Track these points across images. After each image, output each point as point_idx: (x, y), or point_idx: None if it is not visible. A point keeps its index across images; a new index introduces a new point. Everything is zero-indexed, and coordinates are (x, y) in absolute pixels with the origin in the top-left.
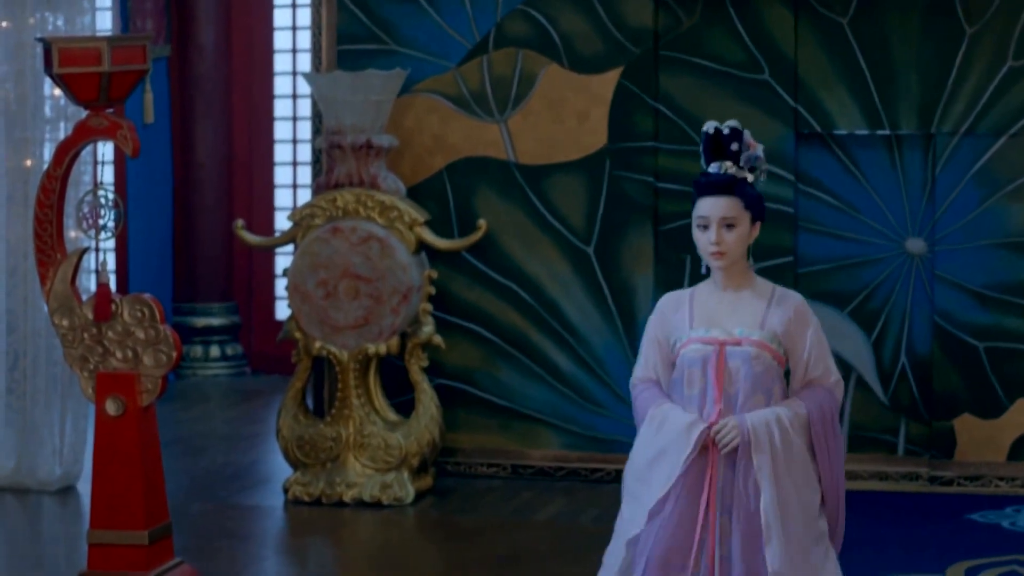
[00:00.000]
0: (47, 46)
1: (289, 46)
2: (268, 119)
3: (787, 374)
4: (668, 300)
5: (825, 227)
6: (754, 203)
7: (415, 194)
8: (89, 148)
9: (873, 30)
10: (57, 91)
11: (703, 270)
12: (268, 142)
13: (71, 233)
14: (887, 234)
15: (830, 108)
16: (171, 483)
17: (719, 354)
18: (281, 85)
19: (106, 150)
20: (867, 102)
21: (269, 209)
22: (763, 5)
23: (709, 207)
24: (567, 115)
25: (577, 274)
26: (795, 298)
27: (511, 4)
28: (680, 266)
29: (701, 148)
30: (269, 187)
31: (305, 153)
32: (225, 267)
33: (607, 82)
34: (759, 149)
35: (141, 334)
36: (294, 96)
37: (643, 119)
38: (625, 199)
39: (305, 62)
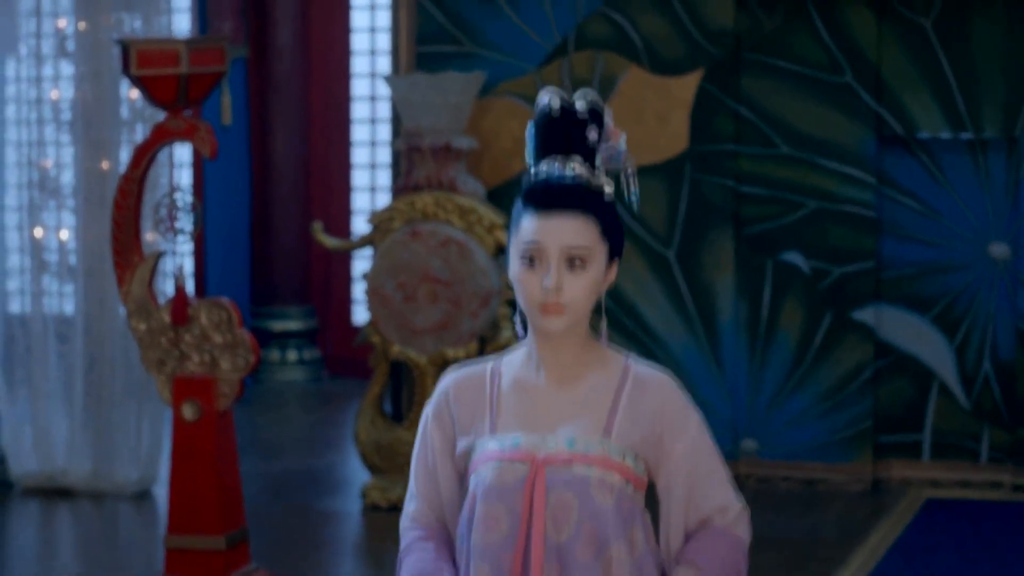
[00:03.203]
0: (125, 47)
1: (368, 48)
2: (346, 121)
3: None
4: (454, 383)
5: (908, 231)
6: (615, 230)
7: (494, 197)
8: (166, 150)
9: (957, 32)
10: (134, 93)
11: (518, 331)
12: (346, 144)
13: (148, 236)
14: (970, 238)
15: (913, 111)
16: (248, 487)
17: (536, 480)
18: (359, 87)
19: (183, 152)
20: (950, 105)
21: (347, 212)
22: (845, 6)
23: (545, 230)
24: (647, 118)
25: (657, 278)
26: (661, 382)
27: (592, 6)
28: (761, 270)
29: (532, 132)
30: (347, 190)
31: (384, 156)
32: (302, 270)
33: (688, 84)
34: (622, 141)
35: (218, 338)
36: (372, 98)
37: (724, 122)
38: (706, 203)
39: (384, 64)
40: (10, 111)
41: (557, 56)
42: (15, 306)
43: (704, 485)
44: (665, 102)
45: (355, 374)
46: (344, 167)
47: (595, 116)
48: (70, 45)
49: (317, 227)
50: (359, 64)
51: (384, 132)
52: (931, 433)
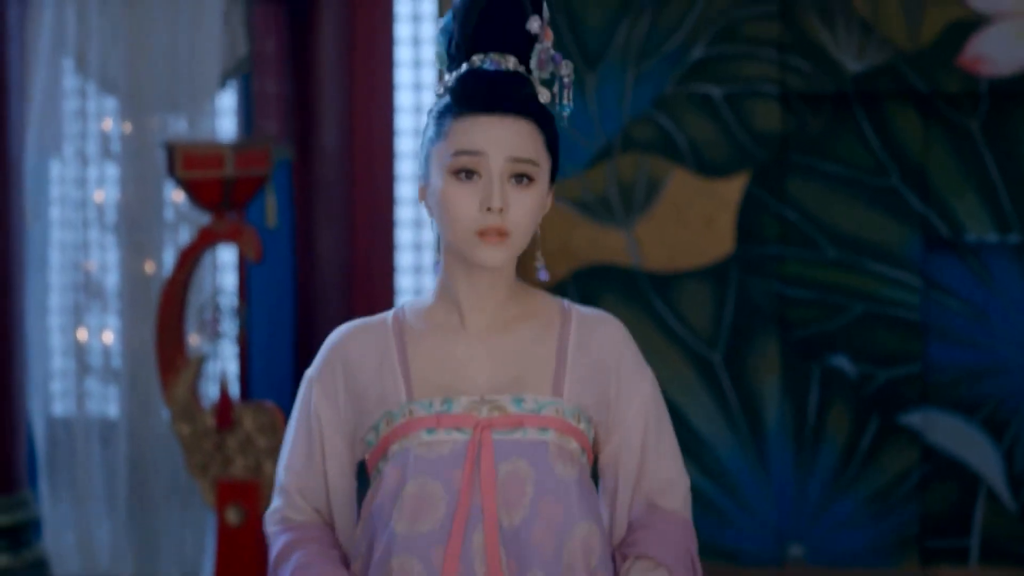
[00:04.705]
0: (170, 150)
1: (413, 150)
2: (390, 223)
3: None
4: (345, 339)
5: (954, 335)
6: (556, 145)
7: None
8: (210, 252)
9: (1003, 133)
10: (178, 195)
11: (435, 268)
12: (390, 247)
13: (192, 338)
14: (1017, 341)
15: (959, 213)
16: None
17: (482, 447)
18: (404, 189)
19: (227, 254)
20: (996, 207)
21: None
22: (891, 109)
23: (487, 136)
24: (693, 220)
25: (702, 381)
26: (611, 328)
27: (637, 108)
28: (807, 374)
29: (452, 22)
30: (391, 292)
31: (428, 259)
32: None
33: (734, 187)
34: (551, 49)
35: (263, 442)
36: (416, 201)
37: (770, 224)
38: (751, 306)
39: None
40: (54, 212)
41: (602, 158)
42: (58, 408)
43: (655, 456)
44: (711, 205)
45: None
46: (388, 269)
47: (537, 4)
48: (115, 147)
49: None
50: (404, 166)
51: (429, 236)
52: (979, 538)
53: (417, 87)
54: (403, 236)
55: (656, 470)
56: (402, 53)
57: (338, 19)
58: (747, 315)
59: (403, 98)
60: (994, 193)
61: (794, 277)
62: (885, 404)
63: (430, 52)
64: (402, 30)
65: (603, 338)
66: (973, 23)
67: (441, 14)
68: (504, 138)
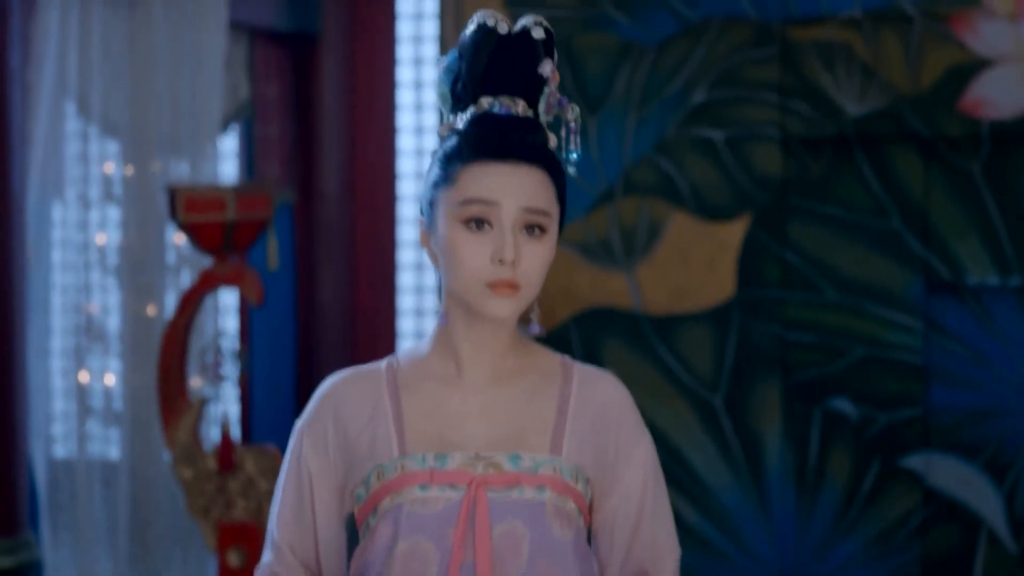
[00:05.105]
0: (172, 194)
1: (414, 194)
2: (391, 266)
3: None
4: (337, 389)
5: (956, 377)
6: (564, 193)
7: (542, 344)
8: (212, 295)
9: (1004, 176)
10: (180, 238)
11: (440, 320)
12: (392, 291)
13: (194, 381)
14: (1019, 384)
15: (961, 256)
16: None
17: (477, 505)
18: (406, 233)
19: (229, 297)
20: (998, 250)
21: None
22: (892, 152)
23: (501, 185)
24: (694, 263)
25: (703, 424)
26: (610, 386)
27: (639, 152)
28: (808, 417)
29: (458, 60)
30: (392, 336)
31: (430, 302)
32: None
33: (735, 230)
34: (558, 93)
35: (265, 485)
36: (418, 244)
37: (771, 268)
38: (753, 349)
39: None
40: (56, 255)
41: (604, 201)
42: (60, 451)
43: (650, 524)
44: (712, 248)
45: None
46: (390, 312)
47: (549, 46)
48: (116, 190)
49: None
50: (405, 210)
51: (431, 278)
52: None
53: (419, 131)
54: (404, 279)
55: (650, 539)
56: (404, 97)
57: (339, 64)
58: (748, 358)
59: (404, 142)
60: (995, 236)
61: (795, 320)
62: (886, 447)
63: (432, 96)
64: (404, 74)
65: (604, 397)
66: (974, 66)
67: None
68: (517, 187)
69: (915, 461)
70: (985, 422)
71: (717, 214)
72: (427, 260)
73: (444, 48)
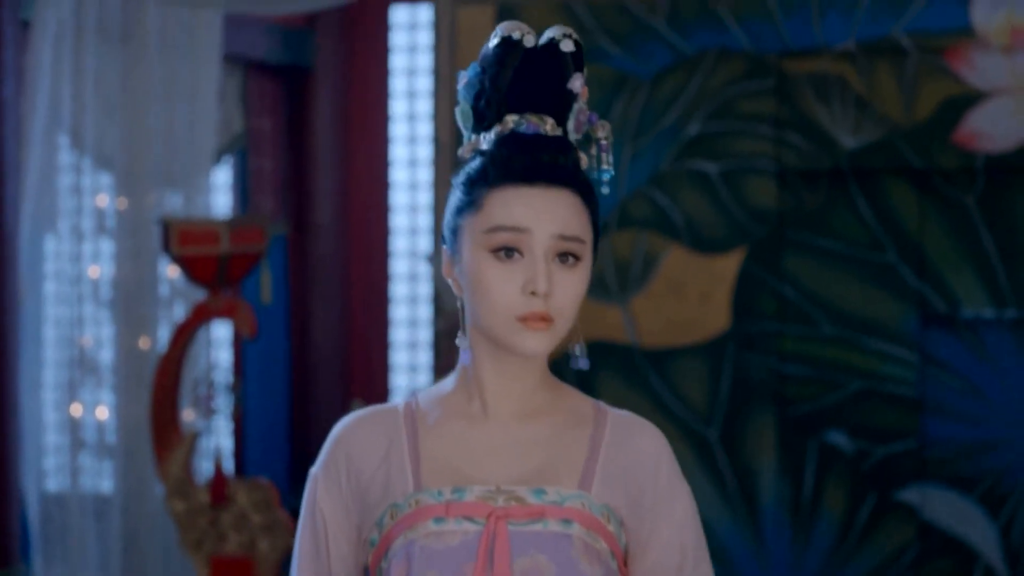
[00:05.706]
0: (166, 227)
1: (408, 226)
2: (385, 299)
3: None
4: (352, 429)
5: (951, 410)
6: (598, 217)
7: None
8: (205, 328)
9: (999, 209)
10: (173, 271)
11: (463, 357)
12: (385, 323)
13: (186, 415)
14: (1014, 417)
15: (956, 289)
16: None
17: (496, 538)
18: (399, 266)
19: (222, 329)
20: (993, 283)
21: (386, 391)
22: (887, 185)
23: (531, 210)
24: (689, 296)
25: (698, 458)
26: (648, 431)
27: (634, 185)
28: (803, 450)
29: (481, 74)
30: (386, 369)
31: (424, 335)
32: None
33: (730, 263)
34: (585, 105)
35: (257, 518)
36: (412, 277)
37: (766, 301)
38: (748, 382)
39: (425, 244)
40: (49, 288)
41: (599, 236)
42: (52, 484)
43: (694, 568)
44: (707, 281)
45: None
46: (383, 345)
47: (578, 60)
48: (110, 222)
49: (357, 406)
50: (399, 242)
51: (425, 311)
52: None
53: (412, 163)
54: (398, 312)
55: None
56: (397, 129)
57: (333, 96)
58: (743, 391)
59: (398, 174)
60: (990, 269)
61: (790, 353)
62: (882, 480)
63: (426, 128)
64: (397, 107)
65: (641, 443)
66: (969, 99)
67: (438, 93)
68: (549, 213)
69: (911, 494)
70: (981, 455)
71: (712, 247)
72: (420, 292)
73: (438, 83)
